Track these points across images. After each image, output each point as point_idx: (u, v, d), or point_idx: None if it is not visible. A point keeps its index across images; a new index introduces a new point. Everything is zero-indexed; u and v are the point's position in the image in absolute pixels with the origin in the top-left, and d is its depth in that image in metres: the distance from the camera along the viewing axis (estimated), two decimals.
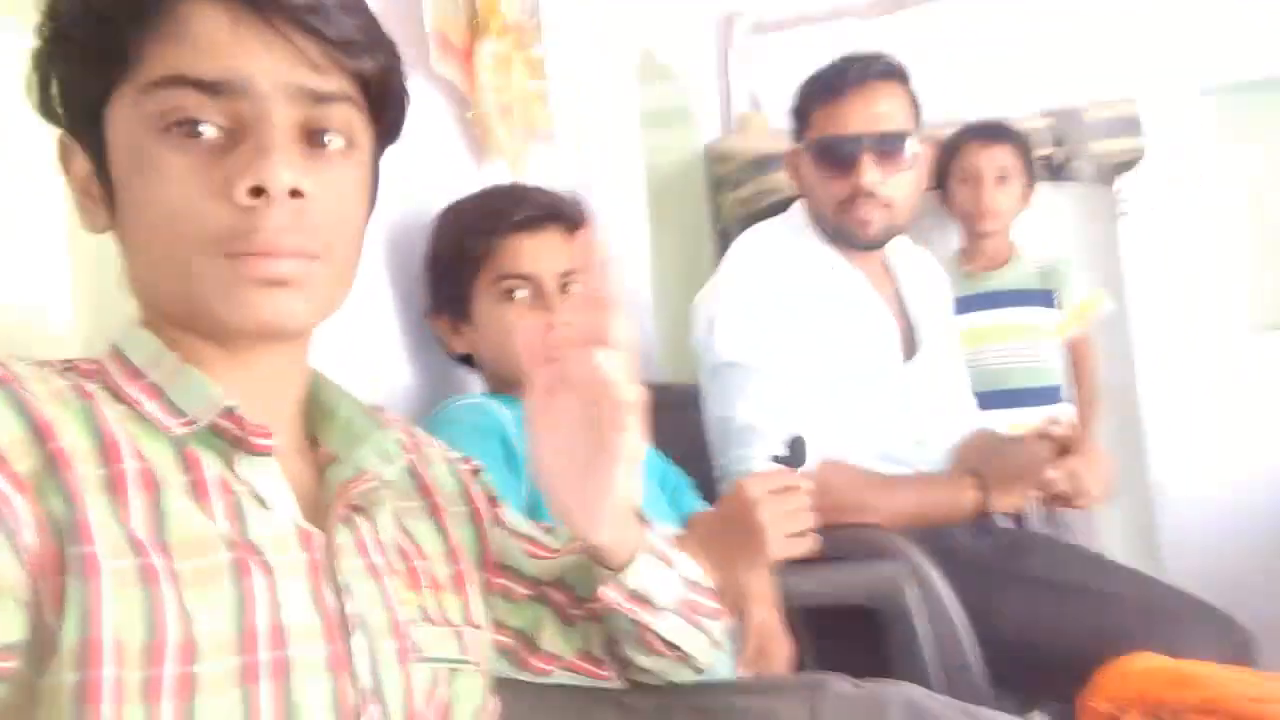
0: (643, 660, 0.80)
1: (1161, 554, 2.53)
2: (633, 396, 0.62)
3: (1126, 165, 2.63)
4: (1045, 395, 2.17)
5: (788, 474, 1.06)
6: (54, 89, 0.62)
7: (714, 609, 0.82)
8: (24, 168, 0.77)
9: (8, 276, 0.86)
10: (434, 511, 0.76)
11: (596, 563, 0.74)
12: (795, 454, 1.09)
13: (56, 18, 0.60)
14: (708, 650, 0.83)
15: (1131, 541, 2.43)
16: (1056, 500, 1.43)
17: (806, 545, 1.04)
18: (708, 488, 1.54)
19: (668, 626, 0.77)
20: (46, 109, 0.63)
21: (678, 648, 0.79)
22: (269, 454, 0.63)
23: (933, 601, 1.34)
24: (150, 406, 0.60)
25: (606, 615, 0.77)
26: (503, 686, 0.77)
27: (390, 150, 0.73)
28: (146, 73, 0.58)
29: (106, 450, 0.56)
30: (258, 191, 0.58)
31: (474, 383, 1.38)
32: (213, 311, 0.60)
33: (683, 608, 0.78)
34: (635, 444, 0.64)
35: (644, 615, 0.75)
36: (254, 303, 0.59)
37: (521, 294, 1.23)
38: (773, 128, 2.84)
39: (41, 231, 0.86)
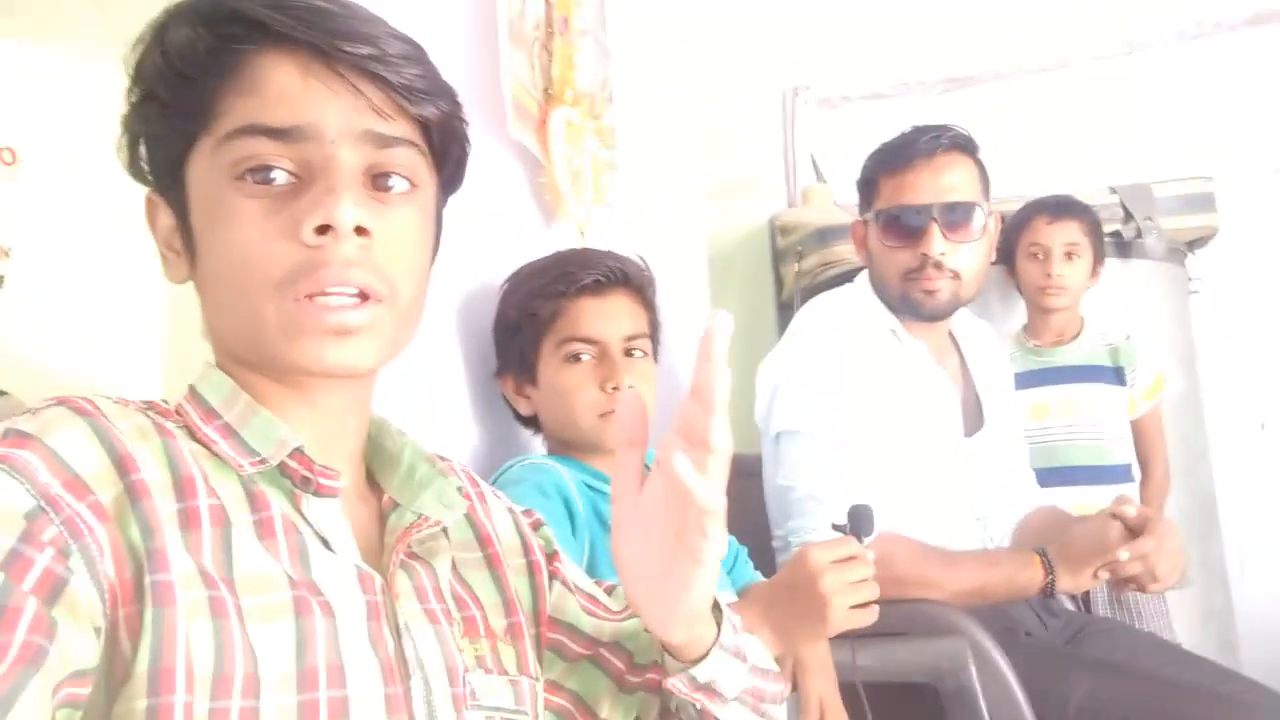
0: None
1: (1239, 643, 2.43)
2: (714, 505, 0.61)
3: (1199, 242, 2.59)
4: (1112, 474, 2.12)
5: (852, 544, 1.04)
6: (141, 150, 0.66)
7: (778, 693, 0.81)
8: (123, 225, 0.81)
9: (104, 329, 0.89)
10: (493, 562, 0.77)
11: (667, 653, 0.73)
12: (860, 523, 1.06)
13: (142, 80, 0.65)
14: None
15: (1207, 631, 2.34)
16: (1126, 583, 1.39)
17: (869, 617, 1.02)
18: (764, 558, 1.53)
19: (732, 716, 0.76)
20: (135, 169, 0.67)
21: None
22: (335, 495, 0.64)
23: (994, 681, 1.31)
24: (224, 446, 0.63)
25: (669, 695, 0.76)
26: None
27: (466, 211, 0.75)
28: (223, 125, 0.62)
29: (182, 486, 0.58)
30: (324, 230, 0.60)
31: (538, 444, 1.39)
32: (281, 353, 0.62)
33: (748, 696, 0.77)
34: (716, 551, 0.63)
35: (710, 705, 0.74)
36: (322, 347, 0.61)
37: (586, 357, 1.24)
38: (836, 200, 2.86)
39: (135, 286, 0.89)
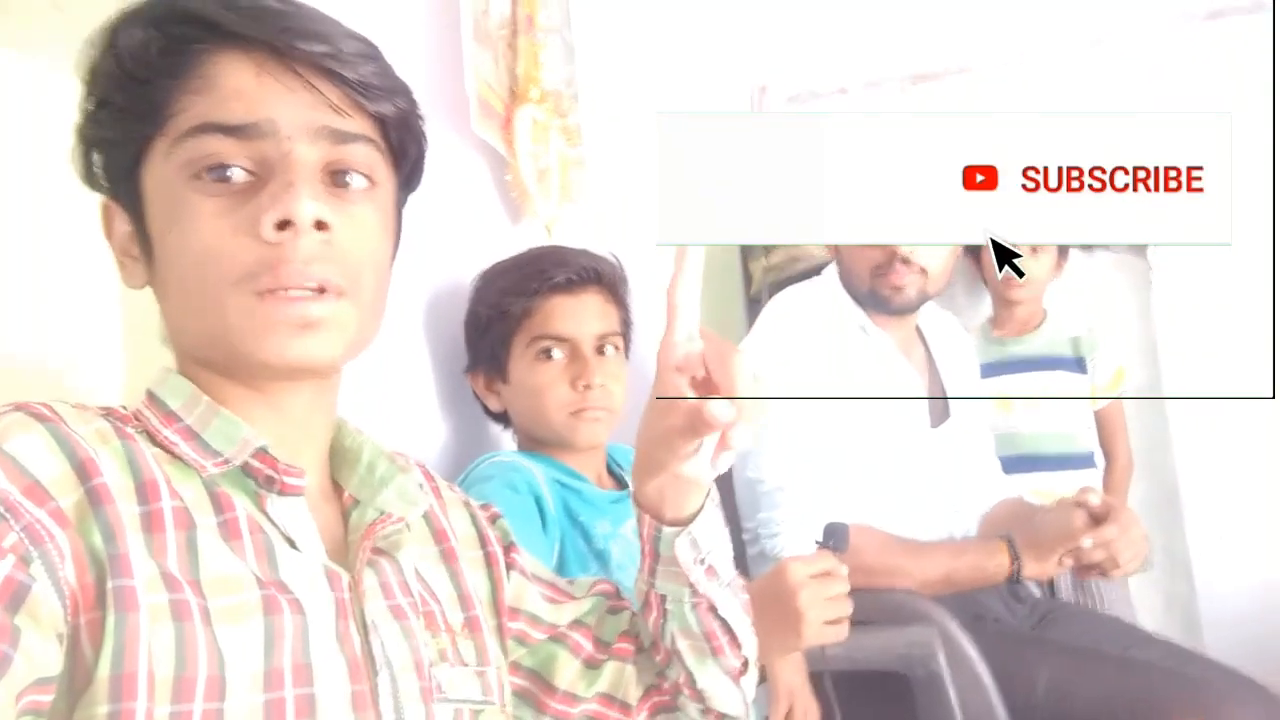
0: (685, 650, 0.80)
1: (1201, 628, 2.47)
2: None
3: None
4: (1075, 462, 2.15)
5: (829, 558, 1.05)
6: (95, 157, 0.66)
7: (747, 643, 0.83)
8: (79, 228, 0.81)
9: (61, 333, 0.89)
10: (448, 557, 0.77)
11: (659, 520, 0.75)
12: (836, 539, 1.07)
13: (96, 87, 0.64)
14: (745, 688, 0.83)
15: (1170, 614, 2.38)
16: (1090, 570, 1.41)
17: (842, 633, 1.04)
18: (734, 551, 1.53)
19: (728, 604, 0.78)
20: (89, 177, 0.66)
21: (732, 633, 0.79)
22: (299, 494, 0.64)
23: (963, 668, 1.33)
24: (185, 448, 0.62)
25: (664, 579, 0.77)
26: None
27: (431, 209, 0.75)
28: (178, 125, 0.61)
29: (145, 489, 0.58)
30: (284, 225, 0.60)
31: (508, 441, 1.40)
32: (244, 350, 0.62)
33: (738, 583, 0.80)
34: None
35: (708, 586, 0.76)
36: (284, 340, 0.61)
37: (558, 354, 1.25)
38: None
39: (93, 290, 0.89)
